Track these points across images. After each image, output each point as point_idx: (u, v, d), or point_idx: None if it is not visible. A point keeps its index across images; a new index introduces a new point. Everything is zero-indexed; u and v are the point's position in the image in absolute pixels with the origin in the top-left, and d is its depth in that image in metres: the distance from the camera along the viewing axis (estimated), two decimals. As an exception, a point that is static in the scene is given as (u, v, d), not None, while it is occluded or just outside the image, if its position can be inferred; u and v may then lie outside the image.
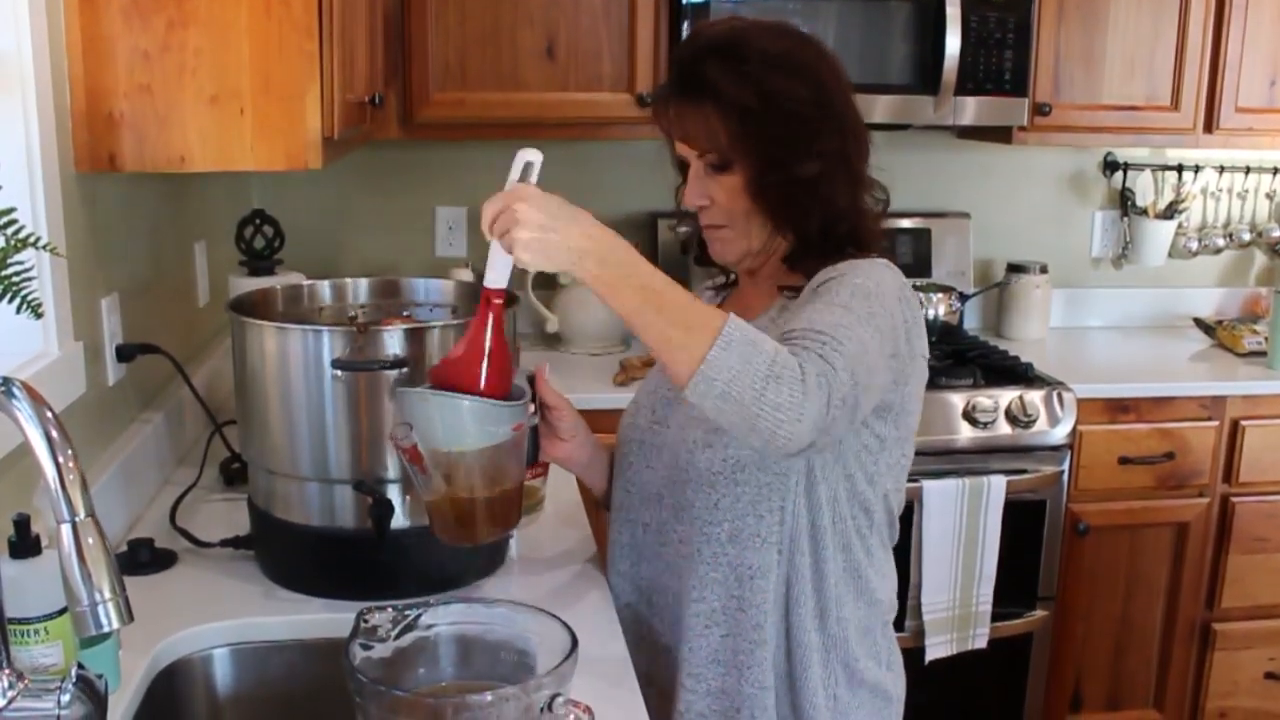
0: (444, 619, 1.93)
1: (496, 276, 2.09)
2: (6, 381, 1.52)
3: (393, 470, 2.36)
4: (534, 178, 2.08)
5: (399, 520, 2.37)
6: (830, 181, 2.28)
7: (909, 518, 4.08)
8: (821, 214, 2.29)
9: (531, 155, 2.09)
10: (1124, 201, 5.40)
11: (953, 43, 4.41)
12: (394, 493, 2.36)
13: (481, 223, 2.04)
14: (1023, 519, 4.34)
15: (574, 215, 1.98)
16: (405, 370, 2.28)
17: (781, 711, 2.39)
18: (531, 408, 2.31)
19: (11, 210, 1.83)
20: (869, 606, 2.41)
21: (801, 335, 2.04)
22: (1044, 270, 5.22)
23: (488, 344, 2.11)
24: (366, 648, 1.82)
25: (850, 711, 2.41)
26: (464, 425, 2.12)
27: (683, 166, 2.40)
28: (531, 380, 2.36)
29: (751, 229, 2.33)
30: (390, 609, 1.88)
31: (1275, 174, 5.44)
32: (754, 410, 1.91)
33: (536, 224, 1.95)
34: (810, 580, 2.34)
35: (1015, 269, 5.24)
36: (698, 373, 1.92)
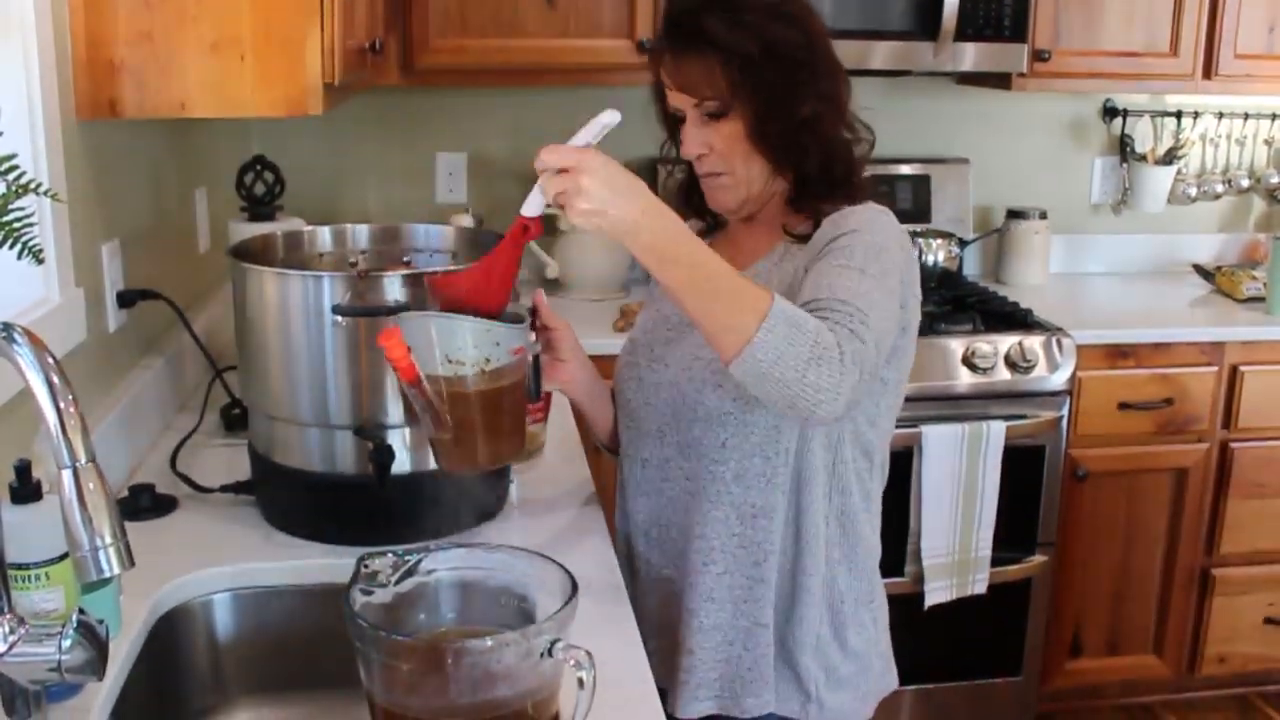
0: (444, 564, 1.93)
1: (532, 208, 2.09)
2: (8, 327, 1.52)
3: (394, 416, 2.37)
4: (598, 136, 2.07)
5: (400, 465, 2.38)
6: (827, 122, 2.34)
7: (908, 464, 4.10)
8: (820, 153, 2.34)
9: (611, 118, 2.06)
10: (1123, 148, 5.39)
11: (953, -12, 4.40)
12: (395, 438, 2.37)
13: (537, 164, 2.01)
14: (1022, 464, 4.35)
15: (633, 190, 2.00)
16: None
17: (777, 649, 2.43)
18: (532, 336, 2.33)
19: (13, 156, 1.82)
20: (859, 550, 2.47)
21: (829, 307, 2.09)
22: (1043, 216, 5.21)
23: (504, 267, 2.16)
24: (367, 593, 1.83)
25: (830, 653, 2.46)
26: (465, 345, 2.13)
27: (671, 120, 2.43)
28: (532, 311, 2.38)
29: (751, 174, 2.36)
30: (390, 554, 1.89)
31: (1274, 120, 5.43)
32: (796, 390, 1.98)
33: (599, 199, 1.96)
34: (814, 522, 2.38)
35: (1015, 215, 5.23)
36: (743, 353, 1.97)
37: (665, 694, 2.43)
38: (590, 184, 1.95)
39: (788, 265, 2.36)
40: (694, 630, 2.43)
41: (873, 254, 2.20)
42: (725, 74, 2.28)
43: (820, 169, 2.36)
